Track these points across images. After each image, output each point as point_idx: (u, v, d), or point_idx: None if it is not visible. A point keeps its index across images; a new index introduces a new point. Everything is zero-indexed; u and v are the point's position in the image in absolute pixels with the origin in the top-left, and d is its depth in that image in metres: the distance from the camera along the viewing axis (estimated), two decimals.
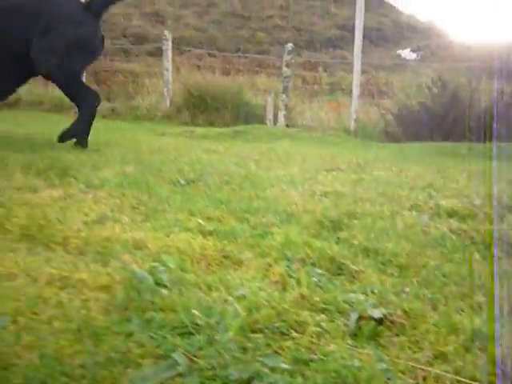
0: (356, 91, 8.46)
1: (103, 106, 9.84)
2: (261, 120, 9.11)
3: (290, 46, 8.95)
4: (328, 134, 7.39)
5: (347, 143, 6.36)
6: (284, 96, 8.78)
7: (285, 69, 8.90)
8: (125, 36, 17.94)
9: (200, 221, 1.50)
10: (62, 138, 3.30)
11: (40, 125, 4.51)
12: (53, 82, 3.41)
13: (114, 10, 16.86)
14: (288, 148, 4.62)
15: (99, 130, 6.08)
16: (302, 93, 12.87)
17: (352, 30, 22.25)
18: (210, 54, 15.57)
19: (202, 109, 9.14)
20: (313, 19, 23.06)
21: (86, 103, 3.43)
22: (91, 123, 3.48)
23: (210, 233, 1.42)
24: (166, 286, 1.05)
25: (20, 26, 3.15)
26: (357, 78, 8.50)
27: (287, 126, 8.68)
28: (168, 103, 9.25)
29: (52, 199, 1.72)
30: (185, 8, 22.02)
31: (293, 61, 9.16)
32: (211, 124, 9.00)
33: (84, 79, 9.85)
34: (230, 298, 1.01)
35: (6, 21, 3.13)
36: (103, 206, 1.67)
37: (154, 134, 6.13)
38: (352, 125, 8.30)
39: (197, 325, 0.89)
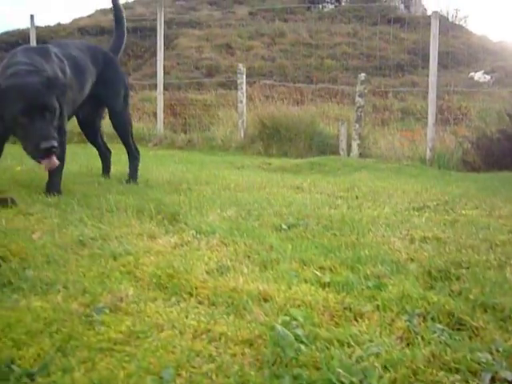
0: (431, 119, 8.37)
1: (180, 138, 10.29)
2: (334, 149, 9.17)
3: (362, 75, 9.00)
4: (404, 164, 7.32)
5: (426, 174, 6.28)
6: (357, 126, 8.81)
7: (358, 98, 8.95)
8: (197, 68, 18.64)
9: (315, 271, 1.59)
10: (126, 182, 3.51)
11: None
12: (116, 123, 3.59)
13: (188, 43, 17.34)
14: (369, 182, 4.64)
15: (182, 160, 6.41)
16: (372, 119, 12.79)
17: (421, 54, 21.96)
18: (280, 84, 15.83)
19: (275, 139, 9.33)
20: (381, 45, 22.94)
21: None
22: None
23: (328, 284, 1.50)
24: (302, 342, 1.13)
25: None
26: (432, 106, 8.42)
27: (361, 155, 8.70)
28: (242, 134, 9.51)
29: (171, 246, 1.87)
30: (254, 39, 22.62)
31: (366, 90, 9.19)
32: (285, 154, 9.16)
33: (161, 112, 10.35)
34: (365, 355, 1.08)
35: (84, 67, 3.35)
36: (219, 253, 1.80)
37: (234, 167, 6.33)
38: (428, 154, 8.19)
39: (342, 383, 0.97)
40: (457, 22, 26.65)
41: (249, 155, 9.10)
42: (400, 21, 25.30)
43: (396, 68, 20.74)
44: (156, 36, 24.89)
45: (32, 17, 11.86)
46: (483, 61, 23.23)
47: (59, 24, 25.64)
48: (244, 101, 9.64)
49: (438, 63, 22.62)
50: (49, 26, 24.57)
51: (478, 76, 20.14)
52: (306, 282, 1.53)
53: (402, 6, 28.22)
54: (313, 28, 23.92)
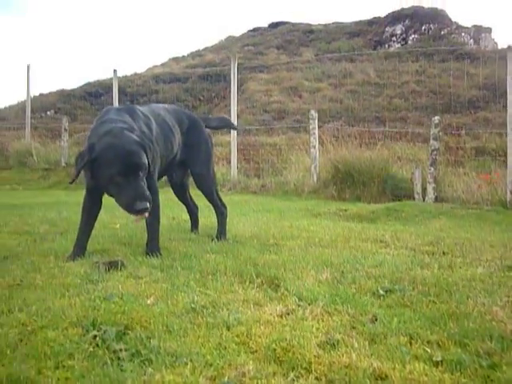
0: (511, 160, 8.13)
1: (253, 182, 10.53)
2: (408, 193, 9.06)
3: (436, 118, 8.93)
4: (484, 209, 7.12)
5: (509, 221, 6.08)
6: (432, 169, 8.70)
7: (432, 141, 8.86)
8: (266, 111, 19.09)
9: (425, 348, 1.63)
10: (217, 239, 3.65)
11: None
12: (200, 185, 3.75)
13: (257, 87, 17.71)
14: (452, 232, 4.58)
15: (259, 208, 6.57)
16: (445, 160, 12.52)
17: (494, 89, 21.26)
18: (349, 125, 15.89)
19: (348, 183, 9.36)
20: (451, 81, 22.58)
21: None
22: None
23: (440, 363, 1.54)
24: None
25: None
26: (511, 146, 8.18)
27: (436, 198, 8.54)
28: (315, 179, 9.60)
29: (277, 315, 1.96)
30: (321, 81, 22.94)
31: (440, 133, 9.09)
32: (358, 198, 9.15)
33: (235, 157, 10.65)
34: None
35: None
36: (325, 324, 1.87)
37: (311, 215, 6.41)
38: (508, 196, 7.93)
39: None
40: None
41: (322, 199, 9.16)
42: (470, 56, 24.93)
43: (467, 105, 20.33)
44: (226, 81, 25.76)
45: (115, 71, 12.68)
46: None
47: (135, 73, 27.11)
48: (316, 146, 9.79)
49: None
50: (126, 76, 26.02)
51: None
52: (417, 359, 1.57)
53: (471, 41, 27.76)
54: (380, 67, 23.96)
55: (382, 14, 30.72)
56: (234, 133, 10.69)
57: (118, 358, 1.61)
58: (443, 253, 3.45)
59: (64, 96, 24.64)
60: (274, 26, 33.74)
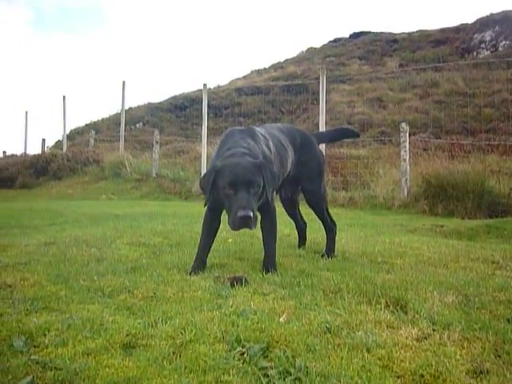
0: None
1: (341, 195, 10.47)
2: (506, 209, 8.64)
3: None
4: None
5: None
6: None
7: None
8: (350, 123, 18.92)
9: None
10: (326, 255, 3.66)
11: None
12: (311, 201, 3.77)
13: (339, 98, 17.56)
14: None
15: (353, 223, 6.52)
16: None
17: None
18: (436, 137, 15.43)
19: (441, 198, 9.07)
20: None
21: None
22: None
23: None
24: None
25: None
26: None
27: None
28: (406, 193, 9.40)
29: (414, 339, 1.95)
30: (405, 91, 22.46)
31: None
32: (451, 213, 8.84)
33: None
34: None
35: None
36: (467, 351, 1.84)
37: (407, 231, 6.28)
38: None
39: None
40: None
41: (413, 214, 8.94)
42: None
43: None
44: (307, 92, 25.72)
45: (205, 85, 13.11)
46: None
47: (219, 86, 27.85)
48: (407, 159, 9.58)
49: None
50: (210, 89, 26.76)
51: None
52: None
53: None
54: (468, 76, 23.07)
55: (470, 20, 29.68)
56: (322, 145, 10.66)
57: (267, 376, 1.66)
58: None
59: (151, 109, 25.75)
60: (356, 36, 33.50)
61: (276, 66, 30.90)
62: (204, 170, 12.59)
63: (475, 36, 28.14)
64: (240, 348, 1.83)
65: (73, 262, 3.19)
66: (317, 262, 3.39)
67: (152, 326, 2.02)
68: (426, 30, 31.33)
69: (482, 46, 27.71)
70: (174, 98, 26.24)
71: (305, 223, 4.09)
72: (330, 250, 3.72)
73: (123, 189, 13.49)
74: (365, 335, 1.96)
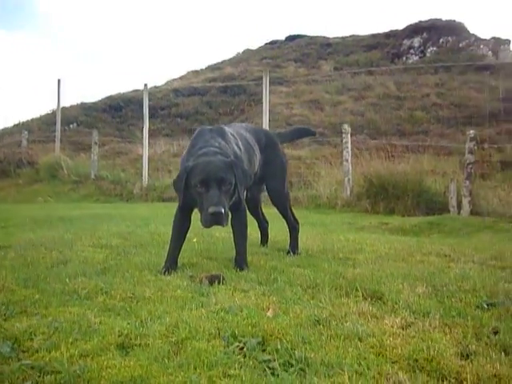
0: None
1: None
2: (442, 206, 9.10)
3: (472, 132, 8.99)
4: None
5: None
6: (467, 182, 8.74)
7: (468, 155, 8.91)
8: (289, 124, 19.20)
9: None
10: (292, 252, 3.74)
11: None
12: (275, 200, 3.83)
13: (277, 100, 17.77)
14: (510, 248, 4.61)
15: (306, 221, 6.64)
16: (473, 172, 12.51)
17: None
18: (372, 138, 15.97)
19: (382, 197, 9.42)
20: (471, 93, 22.63)
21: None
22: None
23: None
24: None
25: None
26: None
27: (471, 212, 8.57)
28: (348, 192, 9.67)
29: (399, 327, 2.05)
30: (341, 94, 23.07)
31: (476, 147, 9.15)
32: (392, 211, 9.20)
33: None
34: None
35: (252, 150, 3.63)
36: (451, 336, 1.95)
37: (357, 229, 6.50)
38: None
39: None
40: None
41: (356, 213, 9.22)
42: (489, 68, 24.97)
43: (489, 117, 20.30)
44: (245, 94, 25.81)
45: (145, 86, 12.94)
46: None
47: (155, 86, 27.40)
48: (349, 159, 9.87)
49: None
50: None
51: None
52: None
53: (489, 53, 27.80)
54: (399, 80, 24.05)
55: (400, 27, 30.90)
56: None
57: (270, 368, 1.69)
58: None
59: (85, 109, 24.98)
60: (292, 39, 34.01)
61: (213, 67, 30.82)
62: (146, 172, 12.39)
63: (404, 42, 29.34)
64: (237, 343, 1.85)
65: (37, 266, 3.08)
66: (284, 259, 3.46)
67: (143, 326, 2.00)
68: (358, 35, 32.30)
69: (411, 51, 28.94)
70: (110, 98, 25.58)
71: (267, 222, 4.15)
72: (294, 247, 3.80)
73: (60, 191, 13.02)
74: (353, 326, 2.03)
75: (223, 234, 4.40)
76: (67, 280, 2.69)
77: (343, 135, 10.06)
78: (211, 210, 2.75)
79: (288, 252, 3.73)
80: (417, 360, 1.74)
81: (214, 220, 2.79)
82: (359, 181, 9.82)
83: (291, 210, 3.90)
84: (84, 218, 6.54)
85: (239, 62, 31.63)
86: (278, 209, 3.82)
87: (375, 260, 3.61)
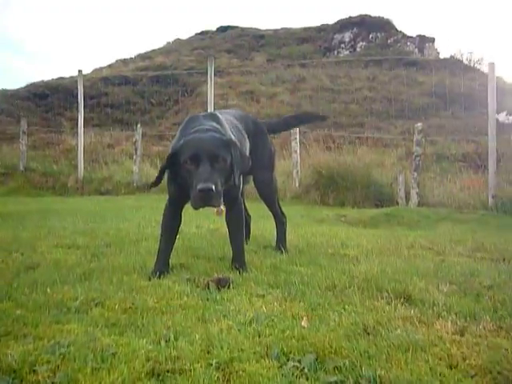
0: (492, 163, 8.36)
1: None
2: (389, 198, 9.18)
3: (419, 125, 9.13)
4: (480, 213, 7.28)
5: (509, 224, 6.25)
6: (415, 174, 8.87)
7: (416, 148, 9.04)
8: None
9: None
10: (282, 248, 3.48)
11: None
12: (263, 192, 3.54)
13: (213, 90, 17.37)
14: (480, 239, 4.58)
15: (255, 214, 6.39)
16: (409, 164, 12.83)
17: (441, 96, 22.07)
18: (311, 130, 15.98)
19: (331, 188, 9.36)
20: (401, 88, 23.30)
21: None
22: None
23: None
24: None
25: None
26: (492, 152, 8.44)
27: (419, 203, 8.69)
28: (297, 184, 9.54)
29: (453, 333, 1.84)
30: (276, 85, 23.02)
31: (423, 140, 9.29)
32: (341, 203, 9.16)
33: None
34: None
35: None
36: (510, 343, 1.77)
37: (317, 221, 6.32)
38: (490, 201, 8.17)
39: None
40: (471, 65, 27.09)
41: (305, 205, 9.09)
42: (416, 64, 25.88)
43: (419, 111, 20.99)
44: (178, 84, 25.16)
45: (80, 72, 12.21)
46: (503, 102, 23.51)
47: (83, 75, 26.13)
48: (298, 151, 9.73)
49: (458, 104, 22.75)
50: (72, 77, 25.03)
51: (502, 117, 20.31)
52: None
53: (416, 50, 28.81)
54: (332, 73, 24.38)
55: (331, 21, 31.33)
56: None
57: None
58: (503, 259, 3.46)
59: (7, 97, 23.38)
60: (223, 30, 33.62)
61: (143, 57, 29.83)
62: (81, 163, 11.66)
63: (335, 36, 29.80)
64: (292, 362, 1.57)
65: (1, 273, 2.61)
66: (277, 257, 3.19)
67: (169, 346, 1.66)
68: (290, 28, 32.45)
69: (342, 45, 29.45)
70: (33, 85, 24.07)
71: (249, 216, 3.86)
72: (282, 242, 3.53)
73: None
74: (406, 333, 1.80)
75: (196, 229, 4.07)
76: (48, 289, 2.27)
77: None
78: (200, 186, 2.38)
79: (277, 249, 3.46)
80: (500, 373, 1.53)
81: (203, 199, 2.41)
82: (308, 173, 9.71)
83: (279, 203, 3.63)
84: (26, 213, 5.93)
85: (170, 51, 30.86)
86: (265, 202, 3.54)
87: (367, 255, 3.42)
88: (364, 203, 9.11)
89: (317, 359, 1.60)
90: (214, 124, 2.79)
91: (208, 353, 1.62)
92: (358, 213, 7.28)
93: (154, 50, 31.60)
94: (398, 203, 8.87)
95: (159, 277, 2.57)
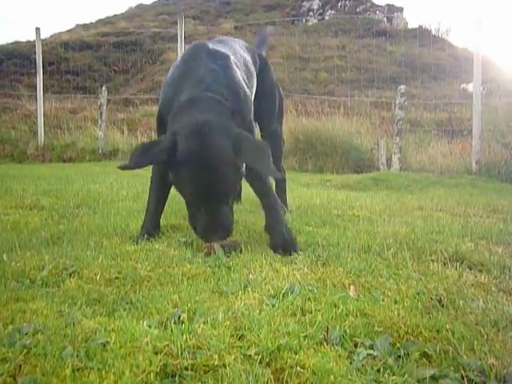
0: (477, 131, 8.08)
1: None
2: (369, 163, 8.83)
3: (402, 87, 8.74)
4: (469, 178, 6.99)
5: (499, 187, 5.95)
6: (398, 139, 8.51)
7: (398, 111, 8.65)
8: None
9: None
10: (285, 208, 2.99)
11: None
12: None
13: (177, 57, 17.03)
14: (474, 202, 4.21)
15: None
16: (384, 131, 12.53)
17: (410, 66, 21.93)
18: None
19: (310, 154, 8.92)
20: (370, 57, 22.92)
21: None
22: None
23: None
24: None
25: None
26: (477, 118, 8.14)
27: (400, 169, 8.36)
28: None
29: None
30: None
31: (406, 103, 8.91)
32: (320, 169, 8.75)
33: None
34: None
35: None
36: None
37: (303, 186, 5.86)
38: (473, 166, 7.91)
39: None
40: (439, 35, 26.93)
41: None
42: (384, 34, 25.51)
43: (389, 80, 20.67)
44: (142, 51, 24.16)
45: (38, 30, 11.32)
46: (470, 72, 23.47)
47: (41, 39, 24.72)
48: None
49: (426, 74, 22.63)
50: (29, 41, 23.65)
51: (471, 87, 20.24)
52: None
53: (384, 19, 28.47)
54: (301, 42, 23.80)
55: None
56: None
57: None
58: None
59: None
60: None
61: (105, 22, 28.43)
62: (41, 129, 10.83)
63: (304, 4, 29.09)
64: (362, 349, 1.10)
65: None
66: (286, 217, 2.70)
67: (182, 332, 1.15)
68: None
69: (311, 13, 28.77)
70: None
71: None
72: (284, 202, 3.04)
73: None
74: (489, 304, 1.36)
75: None
76: (3, 256, 1.73)
77: None
78: (205, 235, 1.86)
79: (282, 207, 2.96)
80: None
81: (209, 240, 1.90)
82: (285, 138, 9.22)
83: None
84: None
85: (133, 17, 29.59)
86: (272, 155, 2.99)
87: (380, 216, 2.98)
88: (344, 169, 8.74)
89: (394, 342, 1.14)
90: (222, 79, 2.10)
91: (240, 339, 1.13)
92: (341, 178, 6.86)
93: (115, 15, 30.24)
94: (378, 169, 8.51)
95: (148, 239, 2.05)
